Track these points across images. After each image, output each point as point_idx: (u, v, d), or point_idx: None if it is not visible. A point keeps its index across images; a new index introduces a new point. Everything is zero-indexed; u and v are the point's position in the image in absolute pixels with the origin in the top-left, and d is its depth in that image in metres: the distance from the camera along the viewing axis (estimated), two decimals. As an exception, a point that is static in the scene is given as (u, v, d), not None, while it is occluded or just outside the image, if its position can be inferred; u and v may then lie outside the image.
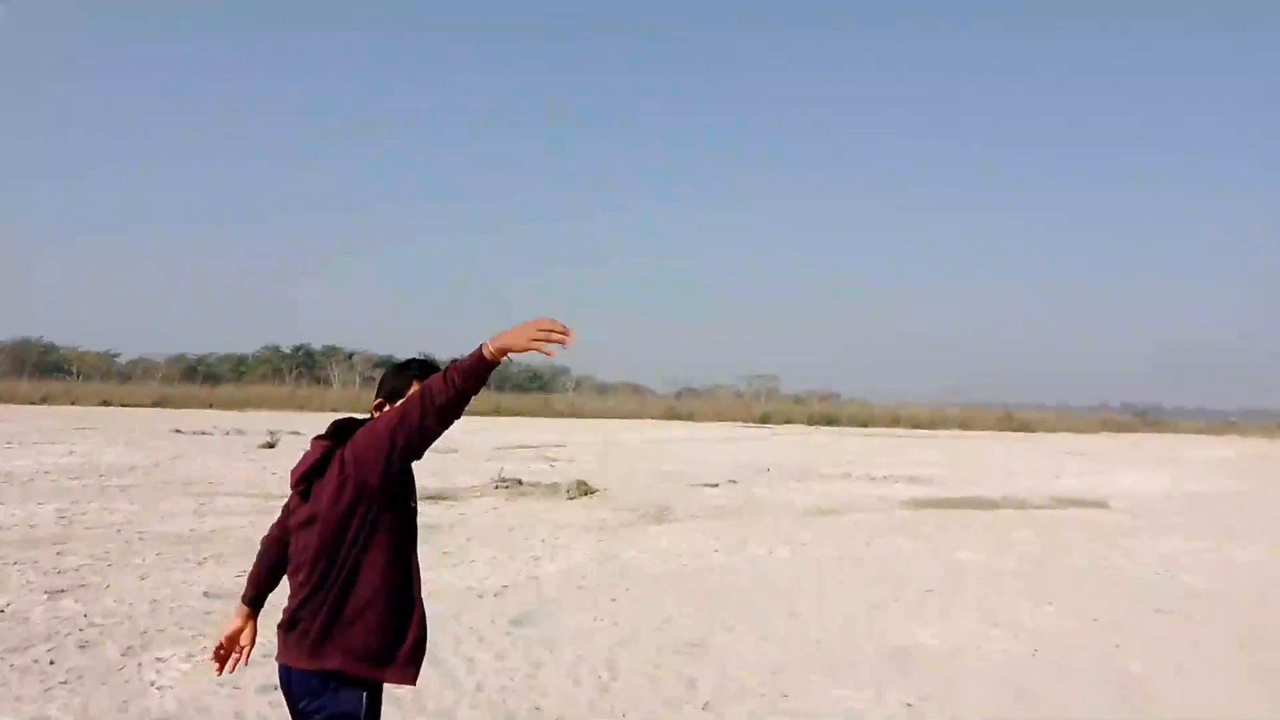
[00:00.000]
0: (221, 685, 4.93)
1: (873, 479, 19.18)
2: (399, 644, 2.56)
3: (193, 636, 5.90)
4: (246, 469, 17.12)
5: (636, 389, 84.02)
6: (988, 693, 5.34)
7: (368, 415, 2.68)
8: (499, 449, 25.44)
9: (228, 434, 28.01)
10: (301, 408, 50.05)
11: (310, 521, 2.52)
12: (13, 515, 10.90)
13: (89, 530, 10.07)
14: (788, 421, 55.07)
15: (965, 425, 56.50)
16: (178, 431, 28.39)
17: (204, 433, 28.42)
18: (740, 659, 5.82)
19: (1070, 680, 5.67)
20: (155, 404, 49.55)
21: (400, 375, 2.64)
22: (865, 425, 54.26)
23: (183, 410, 45.05)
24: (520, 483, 15.49)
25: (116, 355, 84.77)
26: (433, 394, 2.33)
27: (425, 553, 8.33)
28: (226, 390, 59.83)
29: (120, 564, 8.31)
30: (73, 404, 46.95)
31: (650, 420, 52.05)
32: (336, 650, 2.47)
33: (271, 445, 22.42)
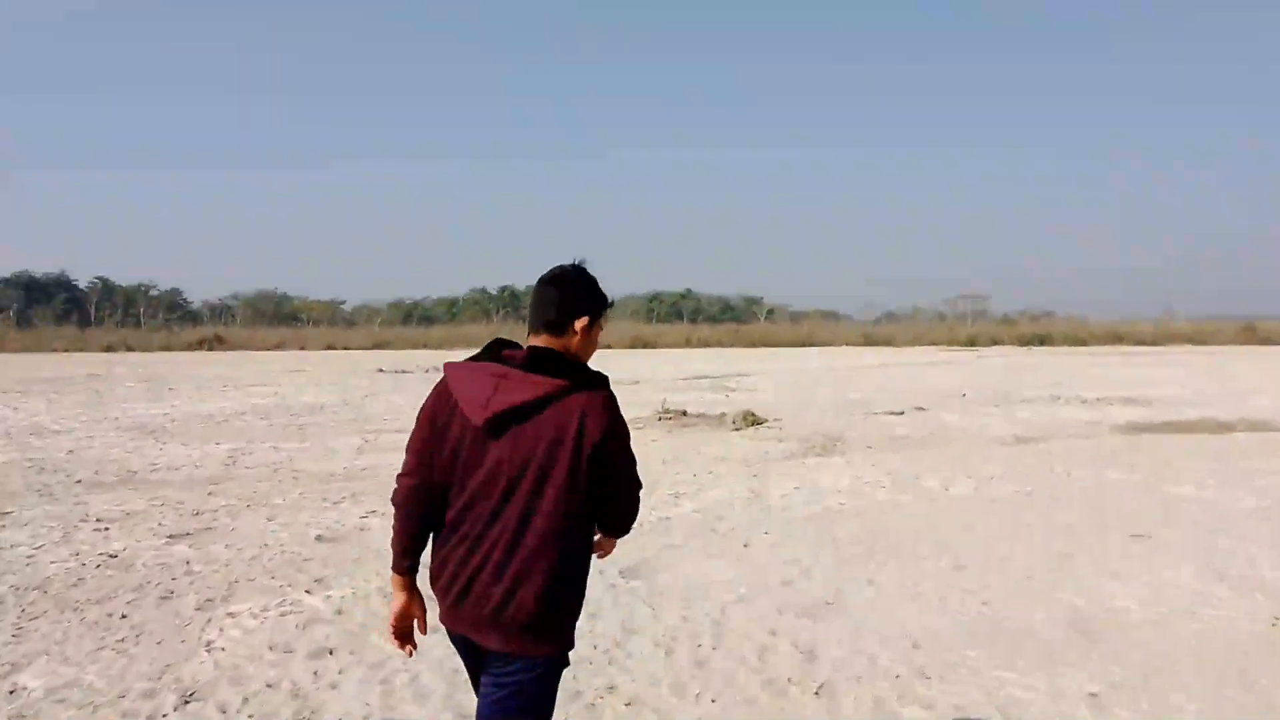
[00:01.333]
0: (272, 648, 4.47)
1: (1083, 402, 17.09)
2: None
3: (280, 586, 5.54)
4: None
5: (832, 315, 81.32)
6: (1203, 677, 4.08)
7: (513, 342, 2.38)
8: (681, 379, 24.91)
9: (426, 371, 28.93)
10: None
11: (524, 477, 2.19)
12: (189, 455, 11.28)
13: (248, 470, 10.21)
14: (995, 343, 51.38)
15: (1197, 340, 50.42)
16: (380, 370, 29.69)
17: (404, 371, 29.55)
18: (879, 625, 4.80)
19: (1326, 662, 4.28)
20: (375, 346, 52.48)
21: (561, 309, 2.31)
22: (1082, 344, 49.75)
23: (397, 351, 47.42)
24: (685, 413, 14.77)
25: (342, 303, 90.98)
26: (626, 486, 2.35)
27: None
28: (438, 331, 62.65)
29: (259, 504, 8.24)
30: (301, 349, 50.40)
31: (846, 348, 50.05)
32: (559, 637, 2.26)
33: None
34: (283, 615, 4.96)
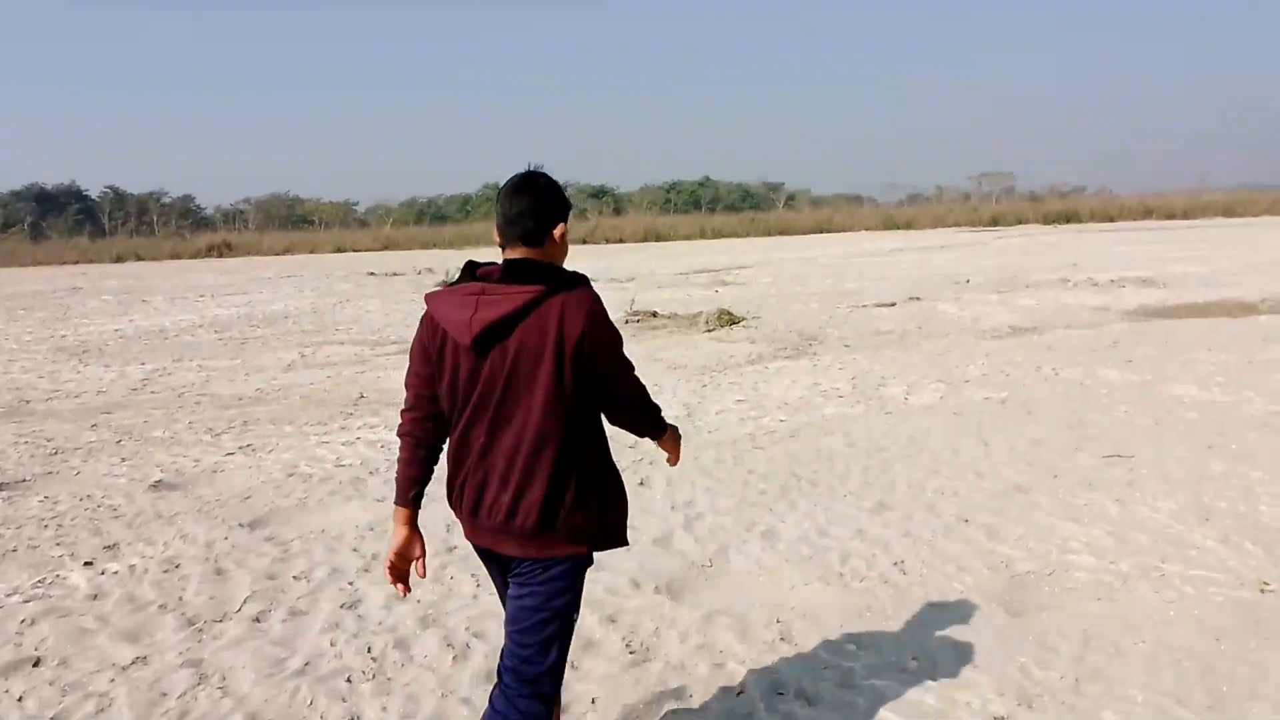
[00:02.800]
0: (-35, 657, 3.54)
1: (1095, 285, 15.71)
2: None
3: (57, 557, 4.60)
4: (398, 313, 16.29)
5: (855, 199, 78.72)
6: (1156, 682, 3.01)
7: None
8: (679, 274, 23.66)
9: (419, 273, 27.85)
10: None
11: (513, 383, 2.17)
12: (103, 378, 10.42)
13: (154, 395, 9.32)
14: (1019, 223, 49.19)
15: (1230, 211, 47.58)
16: (370, 274, 28.62)
17: (396, 274, 28.45)
18: (751, 602, 3.76)
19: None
20: (384, 247, 51.38)
21: (539, 219, 2.25)
22: (1110, 220, 47.41)
23: (403, 252, 46.26)
24: (655, 315, 13.64)
25: (355, 204, 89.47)
26: (621, 389, 2.30)
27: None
28: (449, 231, 61.23)
29: (133, 439, 7.35)
30: (311, 252, 49.37)
31: (864, 232, 48.17)
32: (576, 537, 2.23)
33: (449, 284, 21.83)
34: (25, 602, 4.02)
